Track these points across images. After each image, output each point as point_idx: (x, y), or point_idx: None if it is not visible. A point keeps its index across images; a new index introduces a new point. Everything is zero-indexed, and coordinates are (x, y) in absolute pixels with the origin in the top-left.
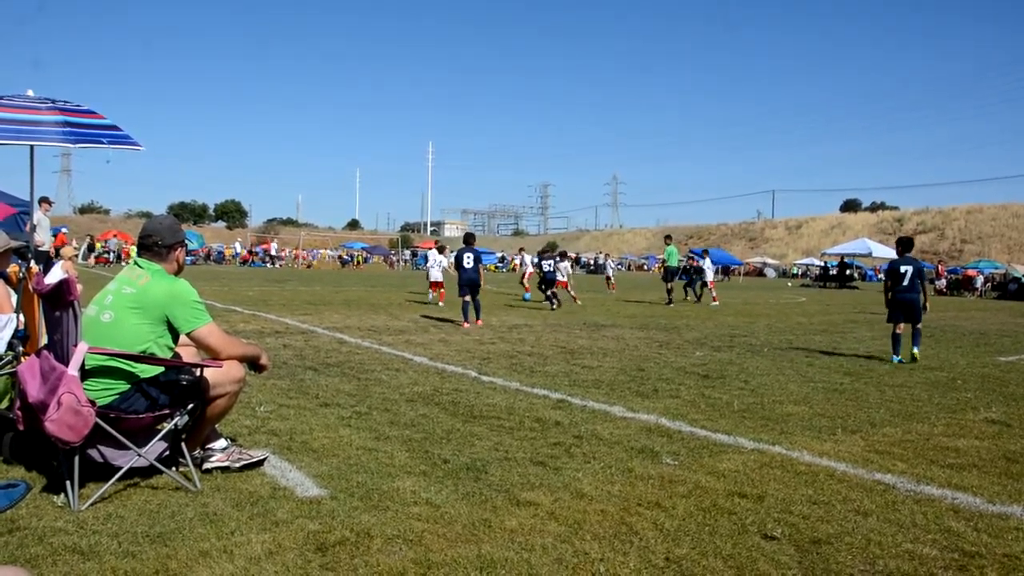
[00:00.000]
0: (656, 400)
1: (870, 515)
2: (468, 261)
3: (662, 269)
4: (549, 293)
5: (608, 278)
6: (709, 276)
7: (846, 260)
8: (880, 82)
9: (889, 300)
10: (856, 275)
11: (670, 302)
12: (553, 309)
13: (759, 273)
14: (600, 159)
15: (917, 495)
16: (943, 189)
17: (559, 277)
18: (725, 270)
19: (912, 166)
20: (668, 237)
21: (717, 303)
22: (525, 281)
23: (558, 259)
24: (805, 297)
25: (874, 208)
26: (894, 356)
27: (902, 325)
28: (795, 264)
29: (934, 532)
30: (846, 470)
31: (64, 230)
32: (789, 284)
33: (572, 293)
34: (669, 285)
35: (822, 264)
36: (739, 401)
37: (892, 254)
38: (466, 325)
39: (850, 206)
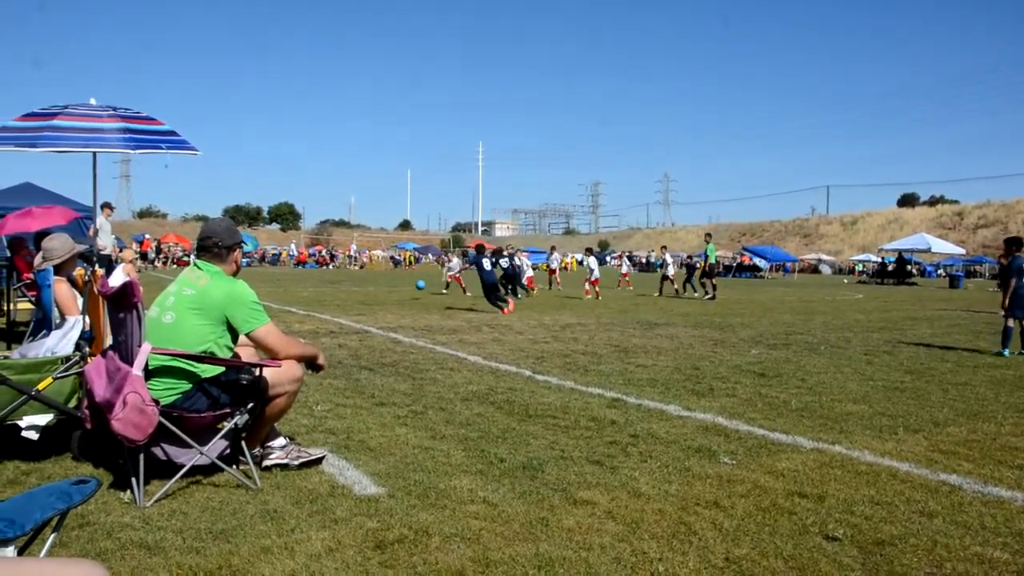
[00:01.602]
0: (712, 399)
1: (936, 516)
2: (488, 265)
3: (705, 266)
4: (510, 288)
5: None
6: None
7: (904, 256)
8: (938, 71)
9: (1010, 295)
10: (915, 271)
11: (713, 297)
12: (519, 297)
13: (814, 270)
14: (651, 156)
15: (985, 496)
16: (1006, 181)
17: (530, 273)
18: (780, 267)
19: (973, 158)
20: (708, 235)
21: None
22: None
23: (508, 257)
24: (862, 294)
25: (933, 202)
26: (1004, 350)
27: (1013, 321)
28: (854, 260)
29: (1004, 535)
30: (909, 470)
31: (147, 237)
32: (845, 281)
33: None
34: (713, 281)
35: (879, 260)
36: (797, 400)
37: (952, 249)
38: (507, 311)
39: (908, 200)
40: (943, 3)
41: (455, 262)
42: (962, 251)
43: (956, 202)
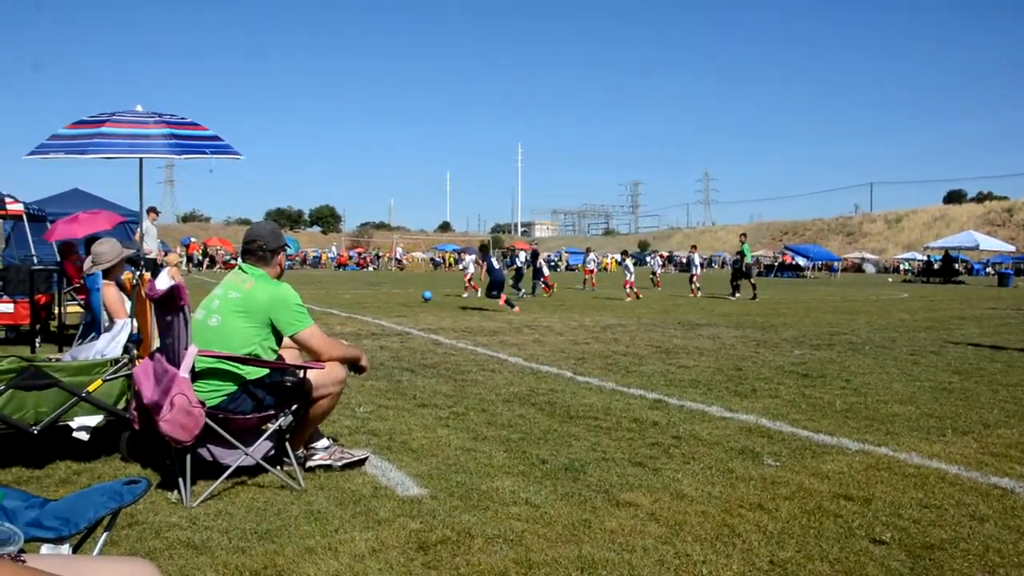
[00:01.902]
0: (755, 400)
1: (987, 520)
2: (497, 263)
3: (743, 266)
4: (494, 292)
5: (653, 273)
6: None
7: (951, 254)
8: (983, 63)
9: None
10: (962, 269)
11: (754, 296)
12: (522, 295)
13: (857, 269)
14: (691, 156)
15: None
16: None
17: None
18: (825, 266)
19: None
20: (743, 235)
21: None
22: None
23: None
24: (907, 293)
25: (980, 198)
26: None
27: None
28: (899, 259)
29: None
30: (959, 473)
31: (193, 240)
32: (890, 280)
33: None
34: (752, 281)
35: (924, 258)
36: (841, 401)
37: (1001, 246)
38: (516, 310)
39: (954, 197)
40: None
41: (467, 260)
42: (1012, 248)
43: (1006, 198)
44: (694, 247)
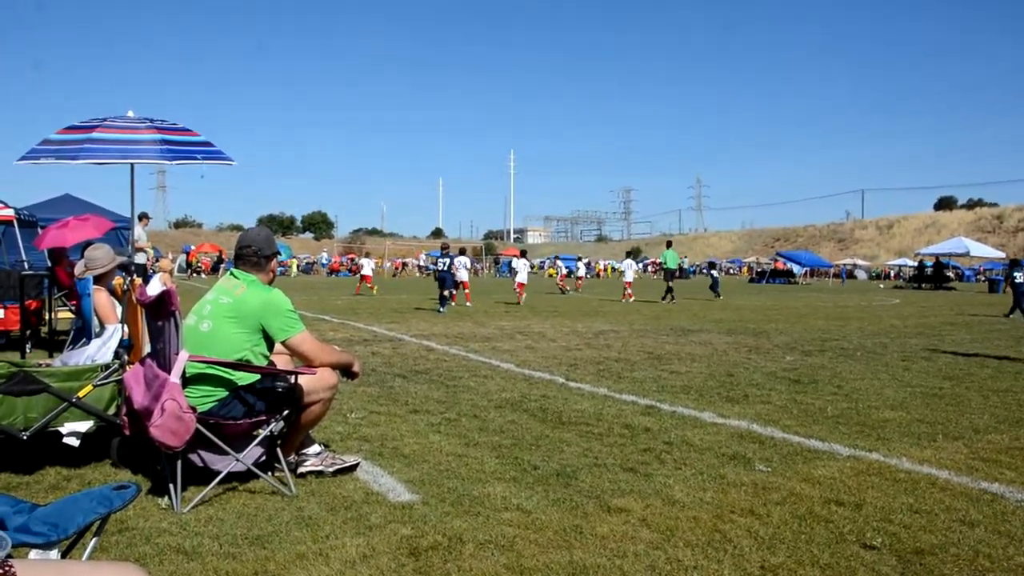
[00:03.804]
0: (747, 405)
1: (977, 526)
2: (443, 264)
3: (662, 270)
4: (445, 294)
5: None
6: (629, 276)
7: (942, 260)
8: (973, 70)
9: None
10: (953, 275)
11: (672, 299)
12: (440, 311)
13: (849, 275)
14: (683, 161)
15: None
16: None
17: (460, 277)
18: (827, 273)
19: (1012, 159)
20: (669, 243)
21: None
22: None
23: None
24: (899, 299)
25: (971, 205)
26: None
27: None
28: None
29: None
30: (949, 478)
31: (192, 248)
32: (881, 286)
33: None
34: (670, 284)
35: (916, 265)
36: (833, 406)
37: (991, 252)
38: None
39: (945, 204)
40: (981, 5)
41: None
42: (1002, 255)
43: (995, 205)
44: (628, 253)
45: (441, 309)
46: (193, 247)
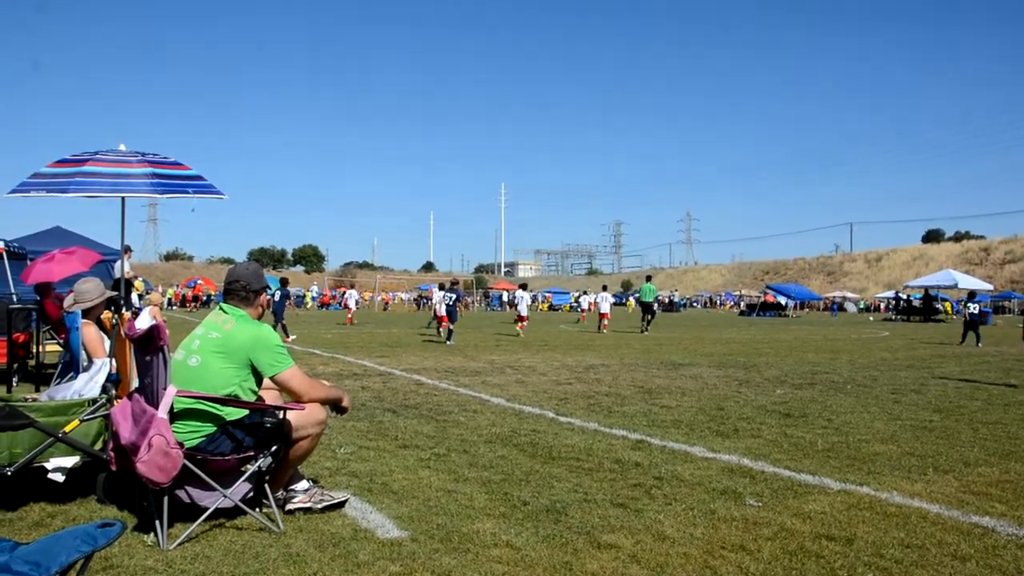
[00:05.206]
0: (737, 440)
1: (968, 560)
2: (449, 299)
3: (638, 304)
4: (452, 327)
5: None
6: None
7: (931, 292)
8: (961, 105)
9: None
10: (942, 307)
11: (646, 329)
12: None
13: (840, 308)
14: (673, 195)
15: (1020, 540)
16: None
17: (441, 311)
18: (804, 305)
19: (998, 193)
20: (648, 277)
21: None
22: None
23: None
24: (888, 331)
25: (958, 238)
26: None
27: None
28: (879, 298)
29: None
30: (940, 512)
31: (199, 282)
32: (871, 318)
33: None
34: (648, 316)
35: (904, 297)
36: (823, 440)
37: (979, 284)
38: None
39: (932, 236)
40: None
41: (436, 296)
42: (989, 287)
43: (982, 237)
44: (604, 287)
45: (449, 341)
46: (199, 282)
